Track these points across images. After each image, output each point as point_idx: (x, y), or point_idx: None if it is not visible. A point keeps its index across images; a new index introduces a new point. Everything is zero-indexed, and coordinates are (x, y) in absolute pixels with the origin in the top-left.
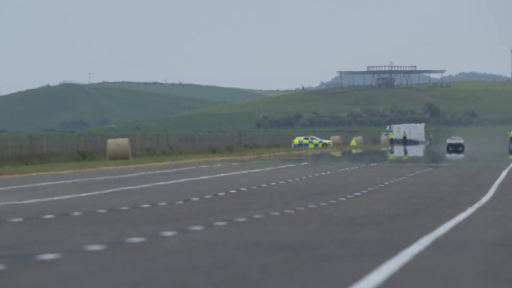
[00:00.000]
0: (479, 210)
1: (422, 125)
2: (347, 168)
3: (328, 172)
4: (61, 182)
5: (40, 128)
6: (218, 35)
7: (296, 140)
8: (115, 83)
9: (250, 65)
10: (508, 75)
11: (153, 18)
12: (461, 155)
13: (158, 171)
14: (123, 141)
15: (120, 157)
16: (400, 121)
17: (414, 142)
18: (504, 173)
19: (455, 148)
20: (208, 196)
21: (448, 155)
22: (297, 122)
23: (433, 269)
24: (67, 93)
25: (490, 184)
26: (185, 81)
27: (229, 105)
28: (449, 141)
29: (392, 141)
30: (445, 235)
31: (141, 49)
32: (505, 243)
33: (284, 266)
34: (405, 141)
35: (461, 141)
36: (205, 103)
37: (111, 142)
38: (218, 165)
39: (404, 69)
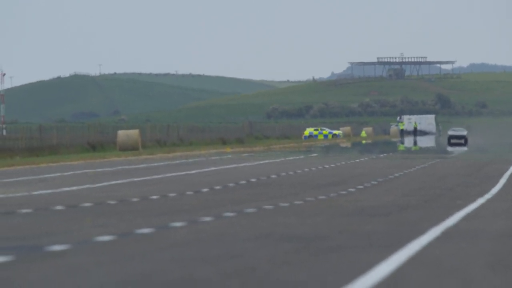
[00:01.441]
0: (488, 201)
1: (433, 116)
2: (357, 159)
3: (338, 163)
4: (71, 173)
5: (50, 119)
6: (229, 26)
7: (307, 132)
8: (125, 74)
9: (261, 56)
10: None
11: (164, 9)
12: (466, 147)
13: (168, 162)
14: (134, 132)
15: (130, 148)
16: (411, 112)
17: (424, 133)
18: None
19: (458, 141)
20: (217, 187)
21: (451, 148)
22: (307, 113)
23: (442, 259)
24: (77, 84)
25: (500, 175)
26: (195, 72)
27: (240, 96)
28: (450, 132)
29: (403, 132)
30: (455, 226)
31: (152, 40)
32: None
33: (293, 257)
34: (415, 132)
35: (464, 132)
36: (216, 94)
37: (122, 133)
38: (228, 156)
39: (415, 60)
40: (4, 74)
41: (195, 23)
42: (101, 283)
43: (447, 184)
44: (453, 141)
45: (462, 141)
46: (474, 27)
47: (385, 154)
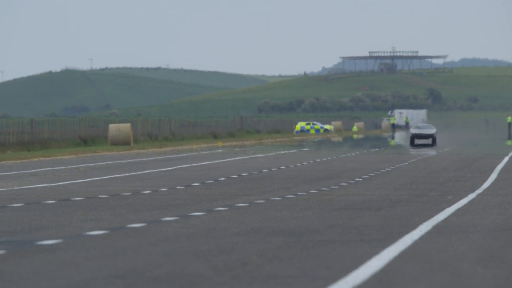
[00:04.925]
0: (480, 195)
1: (424, 111)
2: (348, 154)
3: (330, 158)
4: (62, 167)
5: (42, 113)
6: (221, 20)
7: (298, 126)
8: (117, 68)
9: (252, 50)
10: (510, 60)
11: (155, 4)
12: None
13: (159, 157)
14: (125, 127)
15: (121, 142)
16: (402, 107)
17: None
18: (506, 159)
19: (423, 141)
20: (209, 182)
21: (413, 150)
22: (298, 107)
23: (433, 254)
24: (69, 79)
25: (491, 169)
26: (187, 66)
27: (231, 90)
28: (413, 130)
29: (394, 126)
30: (446, 221)
31: (143, 34)
32: (506, 229)
33: (284, 251)
34: (407, 127)
35: (432, 131)
36: (207, 88)
37: (113, 127)
38: (220, 150)
39: (406, 54)
40: None
41: (186, 18)
42: (93, 278)
43: (439, 179)
44: (417, 141)
45: (429, 140)
46: (466, 21)
47: (376, 149)
